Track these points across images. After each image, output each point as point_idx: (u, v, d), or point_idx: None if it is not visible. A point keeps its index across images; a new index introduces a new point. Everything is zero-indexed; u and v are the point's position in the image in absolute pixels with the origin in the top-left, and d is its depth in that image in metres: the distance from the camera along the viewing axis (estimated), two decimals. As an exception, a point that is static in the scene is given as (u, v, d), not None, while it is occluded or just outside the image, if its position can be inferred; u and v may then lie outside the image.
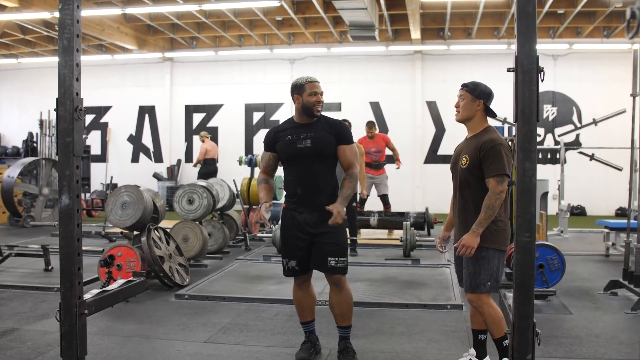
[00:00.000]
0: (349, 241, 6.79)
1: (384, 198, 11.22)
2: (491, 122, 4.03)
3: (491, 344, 3.82)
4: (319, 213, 4.13)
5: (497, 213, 3.70)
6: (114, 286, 3.35)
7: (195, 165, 15.49)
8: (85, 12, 11.94)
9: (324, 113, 4.30)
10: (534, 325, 2.49)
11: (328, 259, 4.10)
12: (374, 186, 11.18)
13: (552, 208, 12.18)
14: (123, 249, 6.33)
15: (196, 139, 17.77)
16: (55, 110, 2.89)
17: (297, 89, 4.21)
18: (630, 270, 6.27)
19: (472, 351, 4.07)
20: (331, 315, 4.33)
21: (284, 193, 4.38)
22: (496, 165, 3.68)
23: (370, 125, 11.37)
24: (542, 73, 2.54)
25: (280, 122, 4.50)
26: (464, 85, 3.97)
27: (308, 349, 4.32)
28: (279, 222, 9.02)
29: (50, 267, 7.50)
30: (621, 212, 15.04)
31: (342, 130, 4.26)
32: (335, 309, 4.24)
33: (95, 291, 3.18)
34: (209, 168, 14.96)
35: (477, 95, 3.89)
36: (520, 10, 2.54)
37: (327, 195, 4.20)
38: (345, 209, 4.11)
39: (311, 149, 4.12)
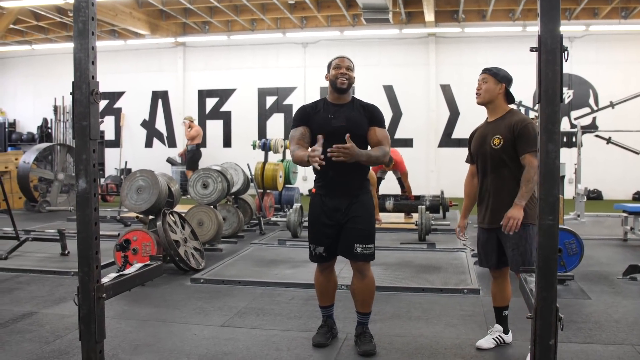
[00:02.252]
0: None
1: (400, 181, 11.15)
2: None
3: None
4: (351, 198, 4.07)
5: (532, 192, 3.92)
6: (131, 270, 3.34)
7: (183, 154, 14.92)
8: (98, -3, 11.93)
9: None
10: (556, 309, 2.45)
11: (355, 246, 4.03)
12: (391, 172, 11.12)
13: (569, 192, 12.08)
14: (139, 233, 6.35)
15: (210, 123, 17.80)
16: (71, 94, 2.87)
17: (328, 67, 4.18)
18: (650, 254, 6.21)
19: (499, 327, 4.22)
20: (348, 299, 4.31)
21: (314, 177, 4.26)
22: (532, 142, 3.87)
23: (387, 163, 10.77)
24: (566, 53, 2.48)
25: (311, 102, 4.38)
26: (487, 69, 4.12)
27: (325, 333, 4.29)
28: (293, 208, 9.06)
29: (66, 252, 7.53)
30: (639, 196, 14.91)
31: (375, 113, 4.18)
32: (356, 295, 4.19)
33: (112, 275, 3.17)
34: (200, 153, 14.68)
35: (499, 79, 4.07)
36: (543, -12, 2.47)
37: (359, 181, 4.13)
38: (361, 155, 3.88)
39: (345, 129, 3.96)
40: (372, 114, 4.14)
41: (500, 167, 4.04)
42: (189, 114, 17.78)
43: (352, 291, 4.22)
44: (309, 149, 3.98)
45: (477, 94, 4.14)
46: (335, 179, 4.06)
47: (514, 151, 3.97)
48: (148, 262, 3.53)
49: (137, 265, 3.48)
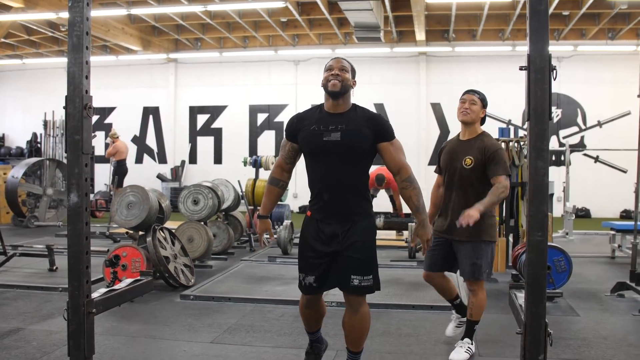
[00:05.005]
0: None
1: (392, 199, 11.17)
2: (497, 123, 4.34)
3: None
4: (351, 224, 3.48)
5: (493, 208, 4.24)
6: (121, 285, 3.33)
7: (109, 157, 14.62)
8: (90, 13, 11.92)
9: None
10: (546, 325, 2.47)
11: (351, 277, 3.43)
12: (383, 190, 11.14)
13: (557, 210, 12.14)
14: (128, 249, 6.32)
15: (201, 139, 17.83)
16: (64, 107, 2.88)
17: (324, 72, 3.59)
18: (637, 272, 6.24)
19: (456, 315, 4.69)
20: (340, 315, 4.22)
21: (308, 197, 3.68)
22: (503, 167, 4.18)
23: (379, 182, 10.47)
24: (554, 72, 2.51)
25: (306, 109, 3.78)
26: (475, 92, 4.40)
27: None
28: (283, 224, 9.04)
29: (54, 267, 7.48)
30: (626, 214, 15.02)
31: (385, 126, 3.61)
32: (346, 331, 3.64)
33: (102, 290, 3.16)
34: (122, 169, 14.55)
35: (484, 105, 4.41)
36: (532, 8, 2.52)
37: (359, 203, 3.56)
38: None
39: (340, 144, 3.42)
40: (381, 128, 3.57)
41: (467, 185, 4.29)
42: (180, 130, 17.85)
43: (342, 324, 3.66)
44: (260, 227, 3.85)
45: (464, 112, 4.34)
46: (330, 203, 3.51)
47: (482, 173, 4.23)
48: (138, 278, 3.53)
49: (128, 281, 3.48)
